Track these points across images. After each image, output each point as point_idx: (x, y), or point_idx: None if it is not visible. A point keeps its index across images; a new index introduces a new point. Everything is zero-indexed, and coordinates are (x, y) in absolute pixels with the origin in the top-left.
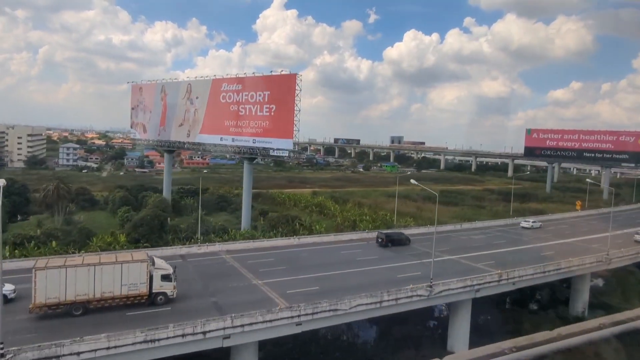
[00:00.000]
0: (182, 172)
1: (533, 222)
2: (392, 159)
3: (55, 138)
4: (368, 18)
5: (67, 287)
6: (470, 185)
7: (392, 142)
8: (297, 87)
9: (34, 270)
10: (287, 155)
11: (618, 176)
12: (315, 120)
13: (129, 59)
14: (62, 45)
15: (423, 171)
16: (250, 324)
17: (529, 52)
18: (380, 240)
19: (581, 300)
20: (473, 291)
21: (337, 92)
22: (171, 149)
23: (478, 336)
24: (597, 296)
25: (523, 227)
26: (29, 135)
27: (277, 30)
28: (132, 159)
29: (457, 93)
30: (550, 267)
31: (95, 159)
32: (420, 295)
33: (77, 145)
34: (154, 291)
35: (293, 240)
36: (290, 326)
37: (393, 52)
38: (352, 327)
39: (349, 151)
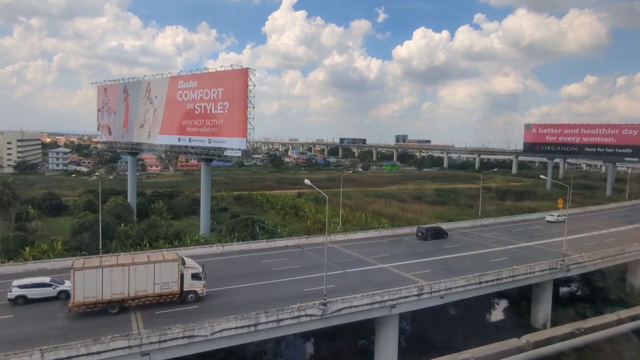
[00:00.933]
0: (174, 175)
1: (558, 216)
2: (395, 158)
3: (61, 143)
4: (377, 17)
5: (103, 286)
6: (470, 183)
7: (397, 140)
8: (249, 83)
9: (72, 270)
10: (240, 155)
11: (630, 171)
12: (326, 120)
13: (141, 64)
14: (75, 52)
15: (425, 170)
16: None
17: (541, 47)
18: (420, 234)
19: (542, 311)
20: (387, 307)
21: (348, 92)
22: (134, 151)
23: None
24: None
25: (548, 221)
26: (19, 140)
27: (287, 32)
28: (125, 163)
29: (468, 90)
30: (487, 277)
31: (88, 162)
32: (310, 315)
33: (68, 150)
34: (185, 289)
35: (216, 248)
36: (134, 357)
37: (403, 50)
38: (280, 344)
39: (353, 151)
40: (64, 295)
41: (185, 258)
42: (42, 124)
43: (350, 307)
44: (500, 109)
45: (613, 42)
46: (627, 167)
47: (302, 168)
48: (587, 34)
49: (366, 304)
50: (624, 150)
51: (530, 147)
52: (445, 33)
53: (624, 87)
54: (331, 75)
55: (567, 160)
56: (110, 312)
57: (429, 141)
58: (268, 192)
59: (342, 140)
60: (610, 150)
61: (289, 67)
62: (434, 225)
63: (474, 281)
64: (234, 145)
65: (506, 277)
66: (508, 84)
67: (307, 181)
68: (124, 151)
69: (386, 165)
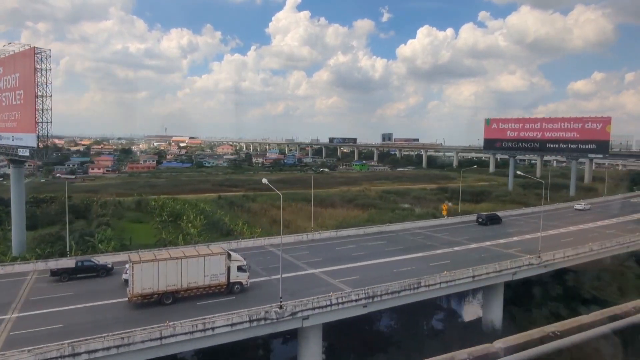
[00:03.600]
0: (117, 178)
1: (585, 204)
2: (375, 158)
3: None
4: (380, 16)
5: (159, 278)
6: (435, 183)
7: (383, 139)
8: (40, 65)
9: (132, 264)
10: (29, 154)
11: (621, 168)
12: (332, 120)
13: (147, 66)
14: (81, 56)
15: (400, 169)
16: None
17: (546, 44)
18: (480, 220)
19: (491, 317)
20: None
21: (353, 92)
22: None
23: None
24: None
25: (576, 209)
26: None
27: (290, 32)
28: (72, 165)
29: (474, 89)
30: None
31: (29, 165)
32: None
33: None
34: (231, 281)
35: None
36: None
37: (407, 49)
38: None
39: (345, 150)
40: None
41: (230, 252)
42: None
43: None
44: (507, 107)
45: (620, 38)
46: (620, 165)
47: (267, 169)
48: (593, 30)
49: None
50: (587, 146)
51: (491, 144)
52: (449, 31)
53: (632, 84)
54: (336, 75)
55: (557, 158)
56: (165, 302)
57: (417, 139)
58: (182, 197)
59: (331, 139)
60: (573, 145)
61: (293, 67)
62: (490, 213)
63: (350, 298)
64: (27, 142)
65: (405, 291)
66: (514, 81)
67: (264, 180)
68: None
69: (355, 165)
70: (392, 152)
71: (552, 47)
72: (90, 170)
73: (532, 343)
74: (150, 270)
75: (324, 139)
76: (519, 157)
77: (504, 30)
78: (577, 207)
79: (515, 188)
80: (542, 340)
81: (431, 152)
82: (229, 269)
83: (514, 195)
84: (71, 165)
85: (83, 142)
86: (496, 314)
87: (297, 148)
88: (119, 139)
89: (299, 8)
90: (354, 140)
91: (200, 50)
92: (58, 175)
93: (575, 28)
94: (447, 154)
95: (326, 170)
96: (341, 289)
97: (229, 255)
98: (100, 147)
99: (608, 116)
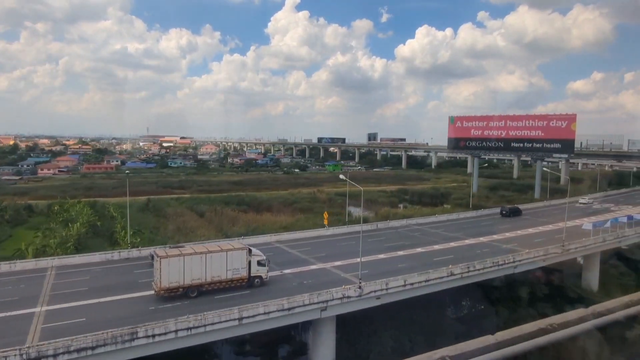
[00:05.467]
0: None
1: (589, 199)
2: (357, 158)
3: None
4: (379, 16)
5: (184, 272)
6: (401, 184)
7: (369, 139)
8: None
9: (159, 259)
10: None
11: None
12: (331, 120)
13: (146, 66)
14: (80, 56)
15: (376, 170)
16: None
17: (545, 44)
18: (504, 212)
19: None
20: None
21: (352, 92)
22: None
23: None
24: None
25: (581, 203)
26: None
27: (289, 33)
28: (27, 165)
29: (473, 89)
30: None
31: None
32: None
33: None
34: (252, 275)
35: None
36: None
37: (406, 49)
38: None
39: (334, 150)
40: None
41: (250, 247)
42: (50, 128)
43: None
44: (506, 107)
45: (619, 37)
46: (606, 165)
47: (236, 169)
48: (592, 30)
49: None
50: (552, 145)
51: (455, 143)
52: (448, 31)
53: (631, 83)
54: (335, 75)
55: (553, 157)
56: (190, 295)
57: (404, 139)
58: (113, 200)
59: (319, 139)
60: (537, 145)
61: (292, 67)
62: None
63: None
64: None
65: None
66: (513, 81)
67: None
68: None
69: (329, 165)
70: (383, 152)
71: (551, 47)
72: (40, 171)
73: (527, 336)
74: (176, 264)
75: (307, 138)
76: (497, 157)
77: (502, 30)
78: (582, 202)
79: (482, 190)
80: (537, 333)
81: (412, 152)
82: (249, 263)
83: (477, 197)
84: (25, 166)
85: (66, 142)
86: None
87: (282, 148)
88: (114, 138)
89: (298, 8)
90: (343, 140)
91: (199, 50)
92: (7, 175)
93: (574, 28)
94: (426, 154)
95: (296, 170)
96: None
97: (250, 251)
98: (78, 146)
99: (573, 113)
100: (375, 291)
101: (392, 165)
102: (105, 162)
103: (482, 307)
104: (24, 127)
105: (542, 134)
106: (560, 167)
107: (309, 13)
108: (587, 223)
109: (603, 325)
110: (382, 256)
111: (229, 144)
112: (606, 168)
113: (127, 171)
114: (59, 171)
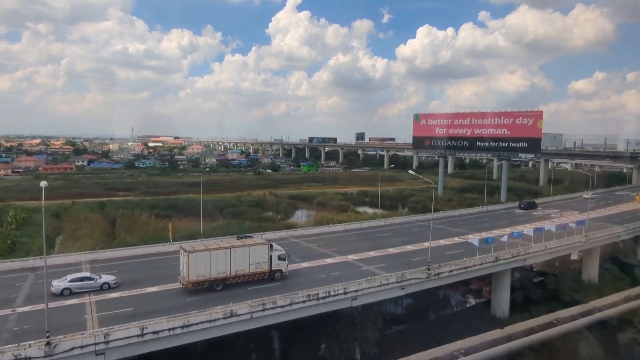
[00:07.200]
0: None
1: (592, 194)
2: (340, 158)
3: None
4: (380, 16)
5: (210, 266)
6: (371, 186)
7: (357, 139)
8: None
9: (187, 253)
10: None
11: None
12: (333, 120)
13: (147, 67)
14: (82, 57)
15: (355, 170)
16: None
17: (546, 44)
18: (522, 206)
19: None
20: None
21: (353, 92)
22: None
23: None
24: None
25: (585, 198)
26: None
27: (290, 33)
28: None
29: (475, 89)
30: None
31: None
32: None
33: None
34: (273, 269)
35: None
36: None
37: (407, 49)
38: None
39: (323, 149)
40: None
41: (271, 243)
42: (52, 129)
43: None
44: (507, 107)
45: (620, 37)
46: (596, 166)
47: (207, 170)
48: (594, 30)
49: None
50: (518, 144)
51: (420, 142)
52: (449, 31)
53: (634, 83)
54: (336, 75)
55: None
56: (215, 288)
57: (394, 139)
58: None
59: (310, 139)
60: (503, 143)
61: (293, 68)
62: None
63: None
64: None
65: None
66: (515, 81)
67: None
68: None
69: (304, 165)
70: (373, 152)
71: (552, 47)
72: None
73: (537, 329)
74: (203, 259)
75: (302, 138)
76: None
77: (503, 30)
78: (585, 196)
79: (448, 192)
80: (546, 326)
81: (404, 152)
82: (270, 257)
83: (440, 199)
84: None
85: (54, 143)
86: None
87: (270, 148)
88: (111, 139)
89: (299, 8)
90: (334, 140)
91: (200, 50)
92: None
93: (575, 27)
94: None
95: (268, 171)
96: None
97: (271, 246)
98: (43, 146)
99: (540, 110)
100: None
101: (374, 165)
102: (74, 163)
103: None
104: (27, 127)
105: (508, 132)
106: (540, 167)
107: (309, 13)
108: (472, 238)
109: (593, 324)
110: None
111: (220, 143)
112: (596, 168)
113: (93, 173)
114: (12, 172)
